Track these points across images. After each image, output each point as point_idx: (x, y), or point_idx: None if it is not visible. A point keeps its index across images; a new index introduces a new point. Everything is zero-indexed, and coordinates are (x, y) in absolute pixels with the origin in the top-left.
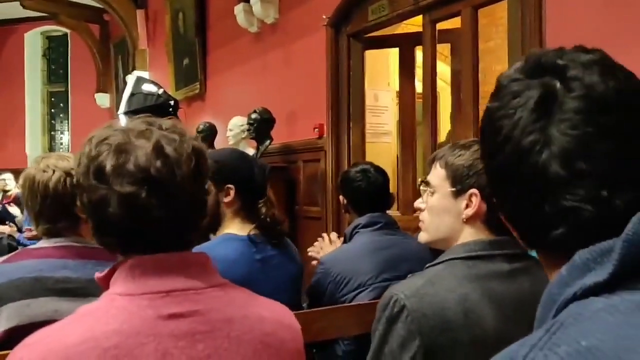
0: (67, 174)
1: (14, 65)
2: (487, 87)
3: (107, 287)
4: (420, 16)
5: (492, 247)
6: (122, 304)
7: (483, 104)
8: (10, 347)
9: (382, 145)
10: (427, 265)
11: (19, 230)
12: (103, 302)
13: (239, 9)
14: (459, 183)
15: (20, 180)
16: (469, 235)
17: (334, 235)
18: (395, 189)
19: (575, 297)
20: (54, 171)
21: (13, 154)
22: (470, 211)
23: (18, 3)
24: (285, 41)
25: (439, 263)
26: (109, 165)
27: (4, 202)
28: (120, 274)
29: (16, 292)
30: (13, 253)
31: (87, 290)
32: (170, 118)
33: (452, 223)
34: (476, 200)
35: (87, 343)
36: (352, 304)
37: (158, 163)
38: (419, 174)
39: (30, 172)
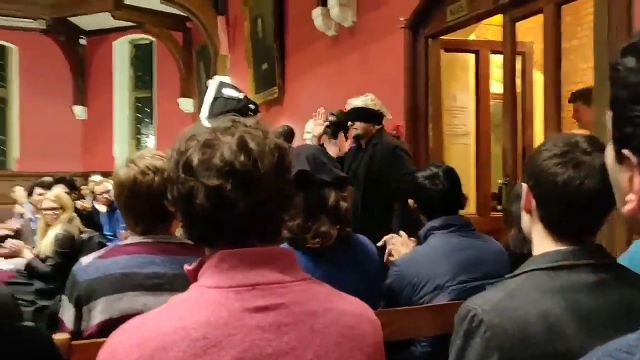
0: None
1: (104, 72)
2: (570, 87)
3: (195, 279)
4: (500, 15)
5: (577, 257)
6: (211, 296)
7: (565, 104)
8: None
9: (460, 146)
10: (507, 276)
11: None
12: (193, 294)
13: (317, 13)
14: (524, 177)
15: (116, 181)
16: (538, 234)
17: (405, 237)
18: (474, 190)
19: None
20: (154, 172)
21: (102, 157)
22: (522, 204)
23: (109, 14)
24: (362, 44)
25: (519, 274)
26: (196, 159)
27: (95, 202)
28: (209, 267)
29: (109, 287)
30: (106, 249)
31: (174, 285)
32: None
33: (526, 218)
34: (527, 194)
35: (179, 332)
36: (429, 304)
37: (242, 157)
38: (496, 176)
39: (130, 174)
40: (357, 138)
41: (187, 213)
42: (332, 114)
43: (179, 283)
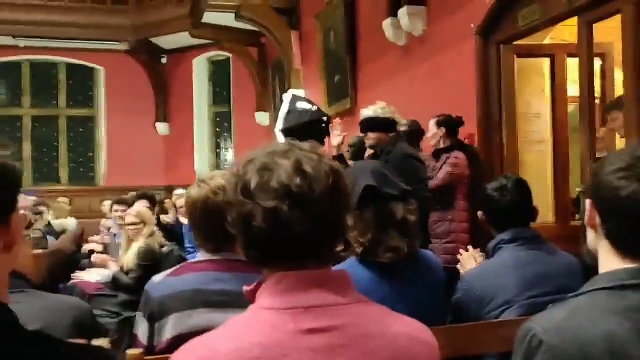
0: None
1: (184, 89)
2: None
3: (253, 300)
4: (575, 18)
5: None
6: (266, 317)
7: None
8: None
9: (536, 153)
10: (570, 295)
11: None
12: (249, 315)
13: (387, 24)
14: (588, 192)
15: (188, 200)
16: (603, 251)
17: (472, 250)
18: (552, 198)
19: None
20: (224, 192)
21: (184, 171)
22: (586, 220)
23: (187, 33)
24: (433, 52)
25: (582, 293)
26: (254, 182)
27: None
28: (265, 289)
29: (179, 303)
30: (176, 267)
31: (240, 303)
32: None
33: (591, 233)
34: (590, 210)
35: (233, 353)
36: (496, 320)
37: (298, 179)
38: (574, 182)
39: (201, 194)
40: (372, 148)
41: (245, 235)
42: (404, 124)
43: (245, 301)
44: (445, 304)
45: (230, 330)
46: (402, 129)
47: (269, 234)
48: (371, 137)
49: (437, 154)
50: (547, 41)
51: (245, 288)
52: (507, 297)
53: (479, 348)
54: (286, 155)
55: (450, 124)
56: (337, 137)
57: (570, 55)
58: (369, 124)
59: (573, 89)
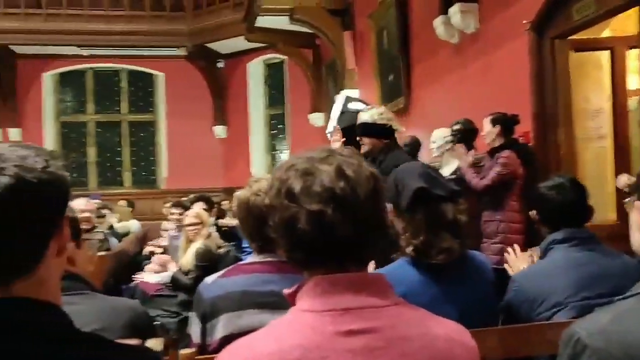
0: None
1: (241, 92)
2: None
3: (294, 302)
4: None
5: None
6: (306, 319)
7: None
8: None
9: (597, 150)
10: (617, 298)
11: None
12: (290, 317)
13: (438, 22)
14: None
15: (235, 202)
16: None
17: (517, 248)
18: (614, 196)
19: None
20: (266, 194)
21: (241, 173)
22: (631, 222)
23: (242, 37)
24: (485, 50)
25: (630, 296)
26: (298, 186)
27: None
28: (305, 291)
29: (230, 304)
30: (227, 268)
31: (289, 304)
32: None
33: (637, 236)
34: (638, 212)
35: (274, 355)
36: (548, 322)
37: (341, 183)
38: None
39: (245, 196)
40: (365, 155)
41: (289, 238)
42: (458, 123)
43: None
44: (496, 305)
45: (272, 332)
46: (457, 127)
47: (313, 237)
48: (366, 143)
49: (492, 153)
50: (606, 34)
51: (286, 291)
52: (559, 298)
53: (530, 350)
54: (327, 161)
55: (505, 122)
56: (336, 143)
57: (632, 47)
58: (364, 129)
59: (634, 82)
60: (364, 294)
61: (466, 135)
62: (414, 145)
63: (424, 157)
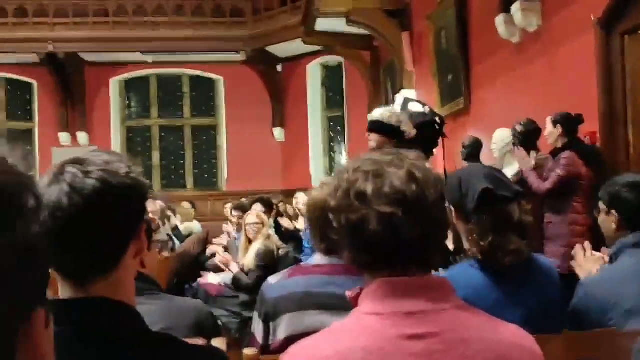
0: None
1: (299, 95)
2: None
3: (356, 305)
4: None
5: None
6: (368, 322)
7: None
8: None
9: None
10: None
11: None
12: (352, 320)
13: (499, 21)
14: None
15: (307, 203)
16: None
17: (588, 248)
18: None
19: None
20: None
21: (300, 175)
22: None
23: (300, 40)
24: (548, 48)
25: None
26: (369, 188)
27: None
28: (367, 294)
29: (292, 305)
30: (290, 269)
31: (350, 306)
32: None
33: None
34: None
35: (336, 357)
36: (619, 329)
37: (413, 186)
38: None
39: (320, 196)
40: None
41: (357, 239)
42: (520, 124)
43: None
44: (562, 310)
45: (334, 335)
46: (519, 129)
47: (383, 239)
48: (372, 139)
49: (554, 154)
50: None
51: (348, 293)
52: (629, 305)
53: (599, 357)
54: (396, 164)
55: (567, 122)
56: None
57: None
58: (373, 126)
59: None
60: (427, 297)
61: (528, 136)
62: (475, 147)
63: (484, 158)
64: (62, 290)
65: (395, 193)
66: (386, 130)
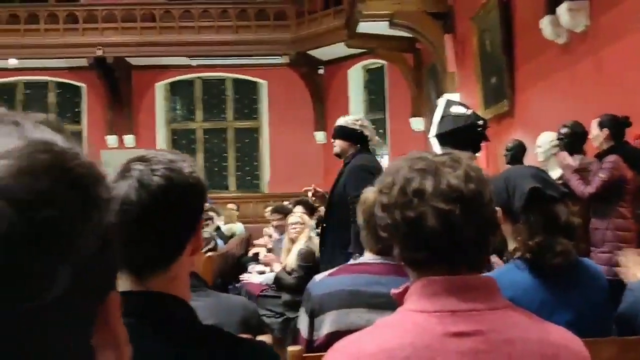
0: None
1: (341, 98)
2: None
3: (401, 302)
4: None
5: None
6: (414, 319)
7: None
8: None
9: None
10: None
11: None
12: (398, 317)
13: (545, 22)
14: None
15: (366, 202)
16: None
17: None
18: None
19: None
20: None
21: None
22: None
23: (343, 43)
24: (596, 49)
25: None
26: (427, 185)
27: None
28: (414, 292)
29: (337, 302)
30: (337, 267)
31: (395, 305)
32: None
33: None
34: None
35: (382, 353)
36: None
37: (470, 185)
38: None
39: (370, 197)
40: (336, 156)
41: (412, 237)
42: (565, 126)
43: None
44: (610, 314)
45: (380, 331)
46: (564, 131)
47: (439, 237)
48: (337, 144)
49: (600, 157)
50: None
51: (394, 290)
52: None
53: None
54: (450, 163)
55: (614, 125)
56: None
57: None
58: (336, 132)
59: None
60: (474, 296)
61: (574, 139)
62: (518, 150)
63: (528, 162)
64: (119, 283)
65: (454, 191)
66: (350, 135)
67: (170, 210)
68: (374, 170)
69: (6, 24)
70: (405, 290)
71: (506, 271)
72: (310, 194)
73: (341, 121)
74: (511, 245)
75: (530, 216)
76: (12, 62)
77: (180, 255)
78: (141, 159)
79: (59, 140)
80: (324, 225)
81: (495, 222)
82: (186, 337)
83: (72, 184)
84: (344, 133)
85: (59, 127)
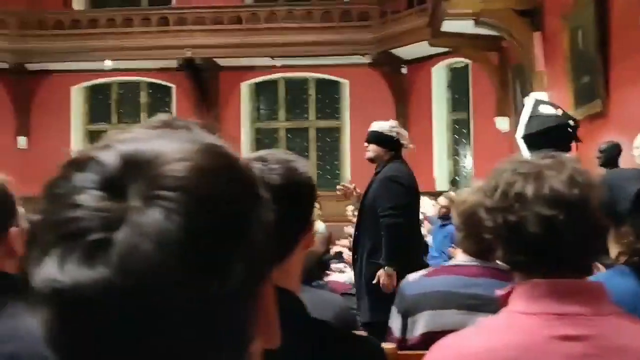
0: None
1: (423, 97)
2: None
3: (506, 303)
4: None
5: None
6: (520, 321)
7: None
8: (424, 349)
9: None
10: None
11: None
12: (501, 318)
13: None
14: None
15: (465, 203)
16: None
17: None
18: None
19: None
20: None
21: (424, 178)
22: None
23: (426, 42)
24: None
25: None
26: (528, 190)
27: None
28: (520, 294)
29: (432, 302)
30: (431, 268)
31: (490, 308)
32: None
33: None
34: None
35: (489, 353)
36: None
37: (575, 190)
38: None
39: (468, 198)
40: (369, 161)
41: (513, 241)
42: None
43: (495, 306)
44: None
45: (485, 332)
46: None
47: (542, 241)
48: (370, 149)
49: None
50: None
51: (499, 292)
52: None
53: None
54: (556, 167)
55: None
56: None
57: None
58: (371, 137)
59: None
60: (581, 300)
61: None
62: (613, 151)
63: (623, 165)
64: None
65: (556, 196)
66: (385, 141)
67: (288, 207)
68: (404, 181)
69: (103, 27)
70: (510, 291)
71: (609, 276)
72: (339, 192)
73: (376, 126)
74: (613, 251)
75: (637, 220)
76: (108, 63)
77: (295, 250)
78: (258, 159)
79: (223, 143)
80: (356, 234)
81: (604, 228)
82: (305, 330)
83: (243, 184)
84: (379, 139)
85: (217, 132)
